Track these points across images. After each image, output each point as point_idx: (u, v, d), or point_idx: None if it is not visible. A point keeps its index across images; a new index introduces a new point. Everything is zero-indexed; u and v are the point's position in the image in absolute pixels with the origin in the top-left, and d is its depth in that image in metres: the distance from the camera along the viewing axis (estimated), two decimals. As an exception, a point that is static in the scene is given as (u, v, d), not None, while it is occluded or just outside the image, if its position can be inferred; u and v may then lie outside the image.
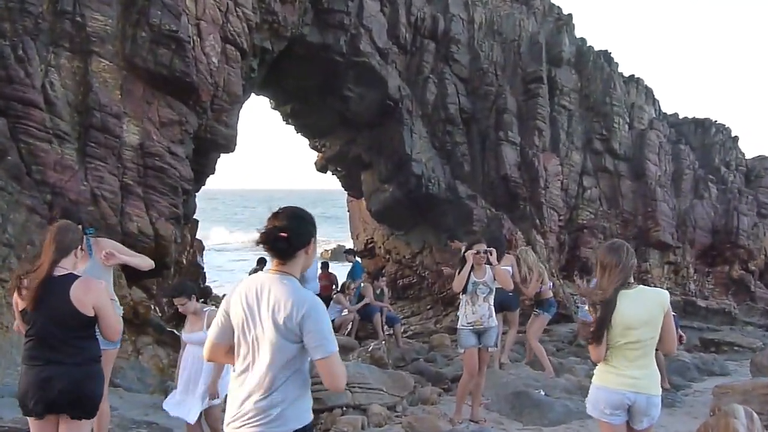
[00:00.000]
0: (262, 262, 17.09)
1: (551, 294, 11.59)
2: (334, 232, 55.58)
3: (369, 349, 10.99)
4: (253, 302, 3.35)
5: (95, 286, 4.60)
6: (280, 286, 3.31)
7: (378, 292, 14.42)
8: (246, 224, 74.54)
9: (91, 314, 4.52)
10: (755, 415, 6.37)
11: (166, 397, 9.11)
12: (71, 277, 4.57)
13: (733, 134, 24.31)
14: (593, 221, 20.69)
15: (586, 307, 5.62)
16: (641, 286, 4.62)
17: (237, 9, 13.05)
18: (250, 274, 16.95)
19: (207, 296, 19.16)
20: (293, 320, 3.21)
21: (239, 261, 41.74)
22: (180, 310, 6.69)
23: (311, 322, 3.21)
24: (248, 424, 3.29)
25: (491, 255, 8.02)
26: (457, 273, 8.19)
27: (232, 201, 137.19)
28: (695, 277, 22.18)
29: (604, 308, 4.46)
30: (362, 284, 15.07)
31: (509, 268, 10.40)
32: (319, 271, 16.79)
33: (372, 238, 23.49)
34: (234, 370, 3.44)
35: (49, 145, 10.14)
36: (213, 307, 6.77)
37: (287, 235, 3.34)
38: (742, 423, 6.02)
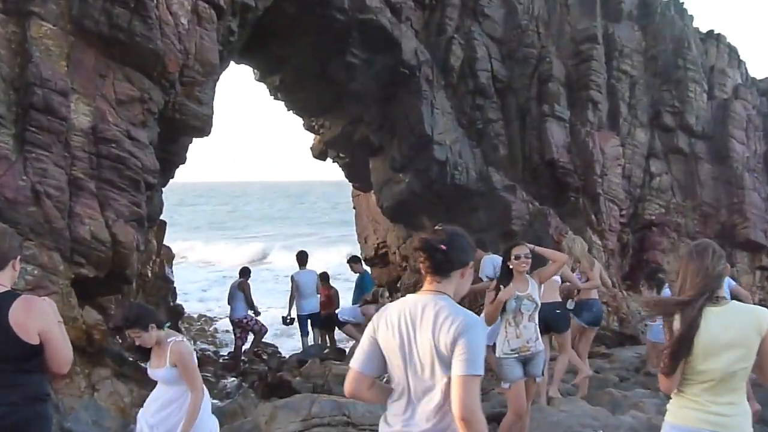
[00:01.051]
0: (245, 273, 17.24)
1: (595, 294, 11.53)
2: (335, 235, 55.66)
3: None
4: (409, 325, 3.84)
5: (39, 306, 4.55)
6: (437, 306, 3.80)
7: None
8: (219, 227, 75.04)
9: (36, 341, 4.46)
10: None
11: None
12: (9, 296, 4.52)
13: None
14: (664, 216, 20.65)
15: (660, 325, 5.54)
16: (733, 301, 4.53)
17: (211, -44, 13.09)
18: (234, 286, 17.11)
19: (179, 317, 19.28)
20: (450, 340, 3.68)
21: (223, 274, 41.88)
22: (137, 342, 6.46)
23: (467, 337, 3.67)
24: None
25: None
26: (489, 294, 8.16)
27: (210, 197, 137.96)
28: (795, 286, 22.12)
29: (683, 328, 4.40)
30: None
31: (558, 279, 10.37)
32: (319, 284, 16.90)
33: (384, 241, 23.52)
34: (390, 398, 3.99)
35: (-21, 131, 10.19)
36: (180, 337, 6.56)
37: (446, 248, 3.87)
38: None
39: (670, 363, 4.43)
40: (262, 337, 17.54)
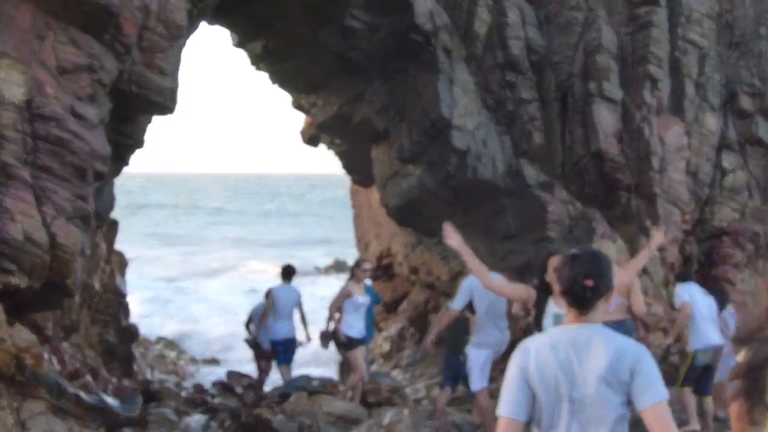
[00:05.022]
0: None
1: (629, 315, 11.59)
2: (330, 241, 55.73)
3: (384, 423, 11.02)
4: (566, 361, 4.29)
5: None
6: (596, 338, 4.32)
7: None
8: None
9: None
10: None
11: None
12: None
13: None
14: (738, 223, 20.67)
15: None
16: None
17: None
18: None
19: (132, 339, 19.33)
20: (623, 370, 4.18)
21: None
22: None
23: (642, 365, 4.19)
24: None
25: None
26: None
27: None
28: None
29: (751, 362, 4.43)
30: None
31: (618, 300, 10.38)
32: None
33: (389, 248, 23.57)
34: None
35: None
36: None
37: (594, 283, 4.36)
38: None
39: (740, 397, 4.55)
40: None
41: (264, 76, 21.58)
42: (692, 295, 12.98)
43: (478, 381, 11.91)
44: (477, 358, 11.91)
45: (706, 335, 12.69)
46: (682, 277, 14.34)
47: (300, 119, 23.44)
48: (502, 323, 12.00)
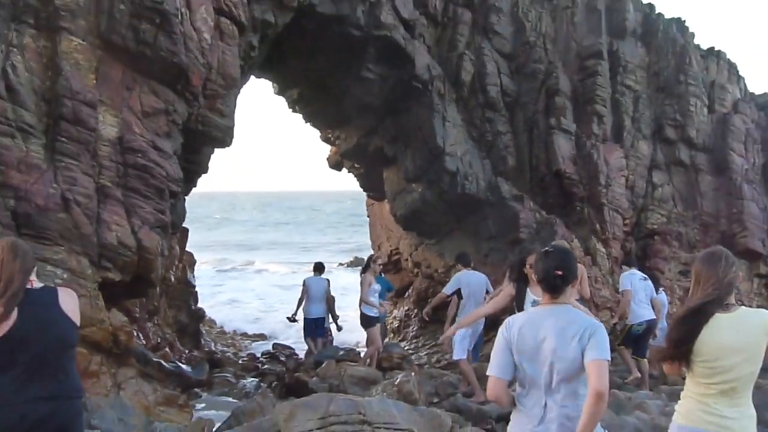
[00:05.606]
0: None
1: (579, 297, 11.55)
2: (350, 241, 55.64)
3: (396, 382, 10.94)
4: (539, 332, 4.34)
5: (74, 294, 4.63)
6: (562, 315, 4.39)
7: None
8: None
9: (79, 325, 4.53)
10: None
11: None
12: (50, 288, 4.56)
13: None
14: (666, 226, 20.59)
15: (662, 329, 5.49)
16: (742, 307, 4.50)
17: (233, -25, 13.11)
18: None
19: (200, 320, 19.29)
20: (582, 339, 4.25)
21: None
22: None
23: (598, 335, 4.27)
24: None
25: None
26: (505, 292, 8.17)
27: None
28: (793, 293, 22.00)
29: (679, 328, 4.40)
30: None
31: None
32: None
33: (397, 248, 23.50)
34: (524, 395, 4.43)
35: (12, 141, 10.16)
36: None
37: (562, 273, 4.41)
38: None
39: (666, 357, 4.56)
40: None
41: (298, 117, 21.56)
42: (632, 282, 12.94)
43: (459, 352, 11.95)
44: (462, 336, 11.90)
45: (641, 313, 12.77)
46: (626, 262, 14.35)
47: (327, 149, 23.34)
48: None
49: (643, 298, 12.94)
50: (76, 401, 4.44)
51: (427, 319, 14.15)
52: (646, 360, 13.08)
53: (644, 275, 13.63)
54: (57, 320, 4.36)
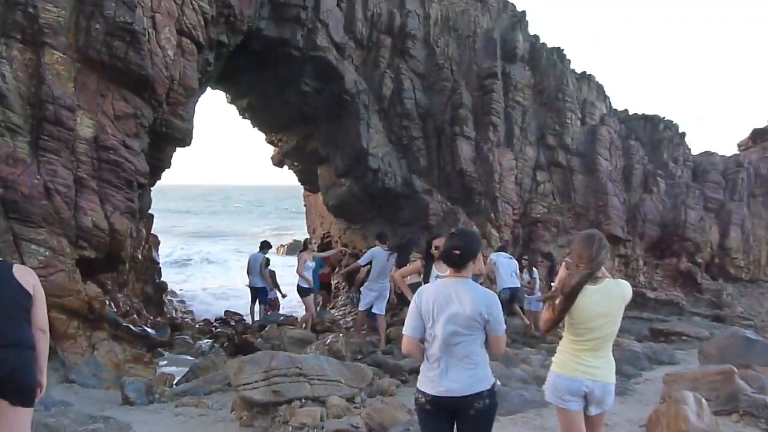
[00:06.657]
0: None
1: (481, 279, 11.83)
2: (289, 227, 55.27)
3: (327, 342, 11.02)
4: (443, 300, 4.35)
5: (33, 272, 4.68)
6: (462, 286, 4.40)
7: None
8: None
9: (32, 293, 4.54)
10: (704, 401, 6.59)
11: (121, 392, 9.06)
12: (6, 262, 4.66)
13: (680, 130, 24.92)
14: (547, 215, 21.00)
15: (536, 298, 5.64)
16: (607, 279, 4.70)
17: (193, 2, 12.89)
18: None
19: (163, 291, 19.00)
20: (480, 308, 4.29)
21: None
22: None
23: (494, 309, 4.35)
24: (457, 382, 4.29)
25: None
26: (414, 267, 8.30)
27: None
28: (645, 270, 22.70)
29: (565, 302, 4.59)
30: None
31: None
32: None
33: (329, 232, 23.50)
34: (428, 351, 4.42)
35: (1, 138, 9.92)
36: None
37: (460, 252, 4.40)
38: (691, 409, 6.23)
39: (550, 325, 4.81)
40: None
41: (247, 122, 21.34)
42: (498, 259, 14.25)
43: (362, 305, 12.75)
44: (367, 294, 12.56)
45: (505, 282, 13.93)
46: (499, 249, 15.80)
47: (271, 150, 23.16)
48: (384, 279, 12.51)
49: (507, 270, 14.05)
50: (27, 350, 4.45)
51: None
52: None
53: (509, 255, 14.89)
54: (10, 284, 4.46)
